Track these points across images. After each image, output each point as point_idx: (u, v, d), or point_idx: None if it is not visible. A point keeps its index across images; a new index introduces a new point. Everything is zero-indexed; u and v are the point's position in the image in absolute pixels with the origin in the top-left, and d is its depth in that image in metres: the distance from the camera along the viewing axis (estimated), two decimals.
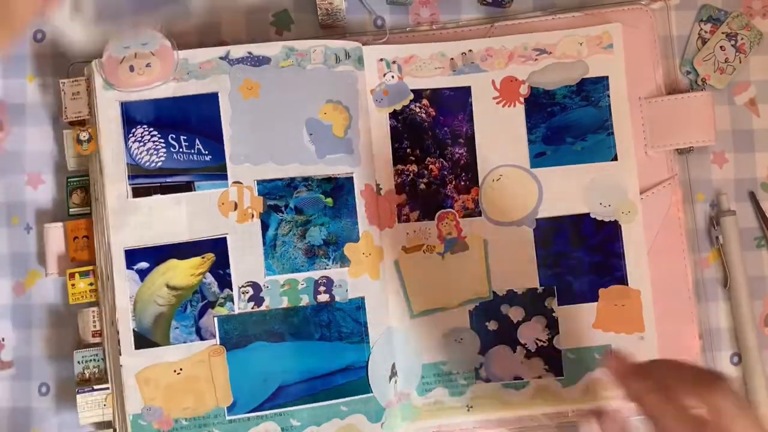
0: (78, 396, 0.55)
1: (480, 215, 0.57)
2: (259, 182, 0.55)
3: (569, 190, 0.58)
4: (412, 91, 0.58)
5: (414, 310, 0.57)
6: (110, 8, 0.58)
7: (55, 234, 0.57)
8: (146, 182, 0.55)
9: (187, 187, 0.55)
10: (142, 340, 0.54)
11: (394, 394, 0.56)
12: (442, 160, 0.58)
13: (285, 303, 0.55)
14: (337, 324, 0.55)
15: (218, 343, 0.54)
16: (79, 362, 0.56)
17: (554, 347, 0.57)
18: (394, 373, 0.56)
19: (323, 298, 0.55)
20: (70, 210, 0.57)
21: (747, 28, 0.59)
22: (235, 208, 0.55)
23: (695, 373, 0.44)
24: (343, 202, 0.56)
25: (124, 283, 0.54)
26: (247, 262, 0.55)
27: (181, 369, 0.54)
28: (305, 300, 0.55)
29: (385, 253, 0.57)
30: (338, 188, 0.56)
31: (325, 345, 0.54)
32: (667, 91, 0.59)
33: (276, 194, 0.55)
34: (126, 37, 0.54)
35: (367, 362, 0.55)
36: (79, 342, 0.57)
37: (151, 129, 0.55)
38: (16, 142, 0.59)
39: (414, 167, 0.57)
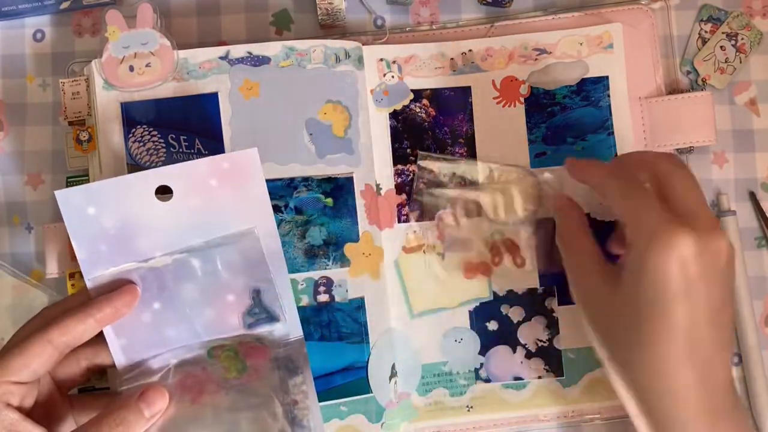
0: None
1: (480, 215, 0.57)
2: None
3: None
4: (412, 91, 0.58)
5: (414, 310, 0.57)
6: None
7: (55, 234, 0.57)
8: None
9: None
10: None
11: (394, 394, 0.56)
12: None
13: None
14: (337, 324, 0.55)
15: None
16: None
17: (554, 347, 0.57)
18: (394, 374, 0.56)
19: (323, 298, 0.55)
20: None
21: (747, 28, 0.59)
22: None
23: (648, 154, 0.52)
24: (343, 202, 0.56)
25: None
26: None
27: None
28: (305, 300, 0.55)
29: (385, 253, 0.56)
30: (338, 188, 0.56)
31: (324, 345, 0.54)
32: (667, 91, 0.59)
33: (276, 194, 0.55)
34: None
35: (367, 362, 0.55)
36: None
37: (151, 129, 0.55)
38: (15, 142, 0.59)
39: (414, 167, 0.57)
